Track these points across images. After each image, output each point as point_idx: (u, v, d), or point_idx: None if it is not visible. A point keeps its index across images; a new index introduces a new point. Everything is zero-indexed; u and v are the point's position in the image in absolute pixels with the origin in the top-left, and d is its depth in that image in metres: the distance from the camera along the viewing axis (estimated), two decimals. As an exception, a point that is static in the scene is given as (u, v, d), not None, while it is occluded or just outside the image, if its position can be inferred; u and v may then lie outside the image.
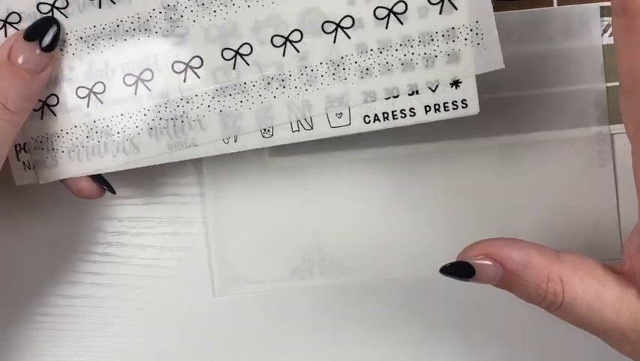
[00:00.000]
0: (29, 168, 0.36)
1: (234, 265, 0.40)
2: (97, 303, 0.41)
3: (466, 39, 0.32)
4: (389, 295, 0.40)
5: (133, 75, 0.34)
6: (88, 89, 0.34)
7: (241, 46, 0.33)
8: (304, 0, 0.32)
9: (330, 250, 0.40)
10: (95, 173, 0.35)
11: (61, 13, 0.33)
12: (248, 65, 0.33)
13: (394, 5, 0.32)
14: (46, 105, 0.35)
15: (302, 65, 0.33)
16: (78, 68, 0.34)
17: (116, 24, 0.33)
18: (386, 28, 0.32)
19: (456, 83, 0.33)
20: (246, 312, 0.41)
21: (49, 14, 0.33)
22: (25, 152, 0.36)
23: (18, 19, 0.34)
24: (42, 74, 0.33)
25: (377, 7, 0.32)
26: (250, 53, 0.33)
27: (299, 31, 0.33)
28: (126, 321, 0.41)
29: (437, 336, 0.41)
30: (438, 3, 0.32)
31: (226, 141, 0.35)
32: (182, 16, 0.33)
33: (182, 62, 0.34)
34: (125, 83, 0.34)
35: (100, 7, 0.33)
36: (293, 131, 0.34)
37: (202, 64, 0.34)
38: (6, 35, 0.34)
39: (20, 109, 0.32)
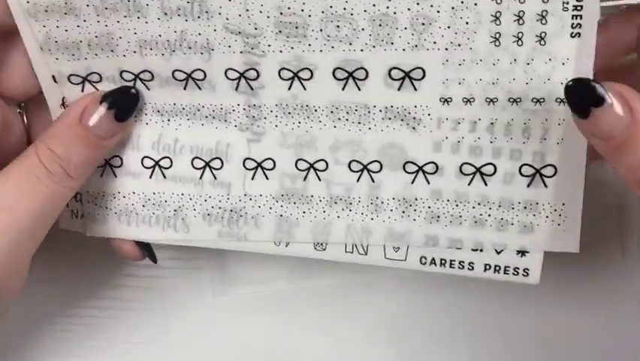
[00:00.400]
0: (76, 217, 0.35)
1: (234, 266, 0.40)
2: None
3: (547, 217, 0.31)
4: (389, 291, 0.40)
5: (202, 160, 0.33)
6: (154, 160, 0.33)
7: (317, 161, 0.32)
8: (389, 135, 0.31)
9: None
10: (141, 240, 0.35)
11: (143, 84, 0.32)
12: (319, 180, 0.32)
13: (483, 166, 0.31)
14: (108, 165, 0.34)
15: (373, 195, 0.32)
16: (148, 138, 0.33)
17: (196, 107, 0.32)
18: (469, 184, 0.31)
19: (523, 252, 0.32)
20: (245, 312, 0.41)
21: (131, 83, 0.32)
22: (76, 201, 0.35)
23: (98, 78, 0.32)
24: (110, 141, 0.32)
25: (464, 163, 0.31)
26: (324, 170, 0.32)
27: (379, 162, 0.32)
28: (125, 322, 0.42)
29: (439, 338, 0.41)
30: (529, 176, 0.30)
31: (277, 244, 0.34)
32: (264, 118, 0.32)
33: (254, 160, 0.33)
34: (192, 165, 0.33)
35: (185, 88, 0.32)
36: (346, 252, 0.34)
37: (274, 167, 0.33)
38: (83, 91, 0.32)
39: (80, 175, 0.31)
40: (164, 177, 0.34)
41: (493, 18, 0.28)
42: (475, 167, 0.31)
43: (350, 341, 0.41)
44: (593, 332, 0.39)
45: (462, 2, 0.28)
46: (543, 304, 0.40)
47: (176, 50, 0.30)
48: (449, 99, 0.30)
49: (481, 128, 0.30)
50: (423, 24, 0.28)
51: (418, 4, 0.28)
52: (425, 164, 0.31)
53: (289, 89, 0.31)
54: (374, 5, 0.28)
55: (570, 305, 0.39)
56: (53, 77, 0.32)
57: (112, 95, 0.31)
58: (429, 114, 0.30)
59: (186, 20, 0.30)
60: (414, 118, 0.30)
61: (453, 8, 0.28)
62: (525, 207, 0.31)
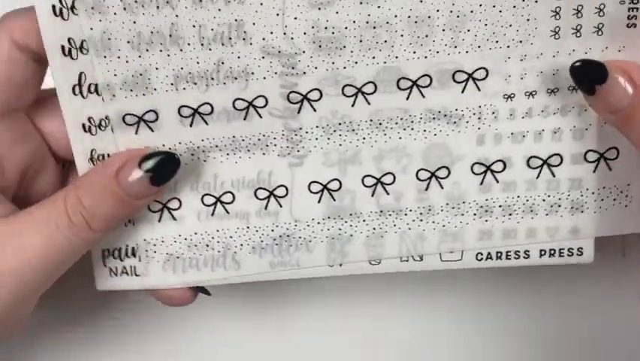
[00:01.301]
0: (116, 275, 0.34)
1: None
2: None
3: (614, 199, 0.32)
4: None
5: (245, 192, 0.32)
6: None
7: (364, 177, 0.32)
8: (431, 137, 0.31)
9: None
10: (189, 285, 0.34)
11: (202, 118, 0.31)
12: (372, 196, 0.32)
13: (549, 157, 0.32)
14: (150, 211, 0.33)
15: (422, 199, 0.32)
16: (185, 180, 0.32)
17: (234, 139, 0.32)
18: (537, 177, 0.32)
19: (575, 231, 0.32)
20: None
21: (190, 117, 0.31)
22: (115, 258, 0.33)
23: (155, 117, 0.31)
24: (141, 202, 0.31)
25: (531, 157, 0.32)
26: (373, 186, 0.32)
27: (426, 170, 0.32)
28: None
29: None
30: (594, 161, 0.32)
31: (331, 265, 0.33)
32: (306, 140, 0.32)
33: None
34: (235, 198, 0.32)
35: (226, 120, 0.31)
36: (401, 261, 0.33)
37: (321, 188, 0.32)
38: (137, 133, 0.31)
39: (102, 229, 0.30)
40: (209, 215, 0.33)
41: (553, 13, 0.29)
42: (541, 159, 0.32)
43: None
44: (593, 332, 0.40)
45: (523, 0, 0.29)
46: (543, 305, 0.40)
47: (214, 78, 0.30)
48: (512, 95, 0.31)
49: (542, 117, 0.31)
50: (458, 23, 0.29)
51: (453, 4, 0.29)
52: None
53: (326, 107, 0.31)
54: (411, 9, 0.29)
55: (570, 306, 0.40)
56: (83, 125, 0.31)
57: (154, 158, 0.30)
58: (471, 111, 0.31)
59: (223, 45, 0.30)
60: (456, 117, 0.31)
61: (514, 7, 0.29)
62: (594, 192, 0.32)
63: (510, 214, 0.32)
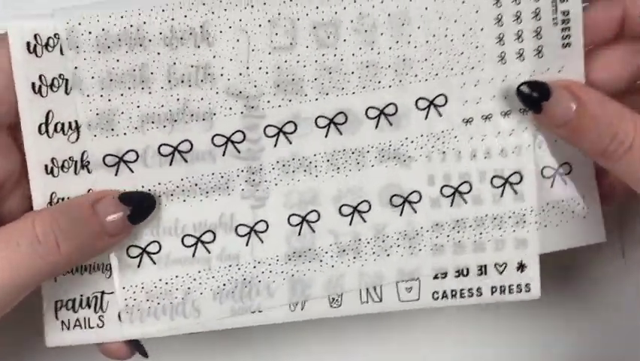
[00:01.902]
0: (68, 329, 0.32)
1: None
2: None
3: (573, 212, 0.34)
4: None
5: (196, 237, 0.33)
6: (141, 248, 0.32)
7: (319, 214, 0.33)
8: (386, 175, 0.33)
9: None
10: (145, 337, 0.32)
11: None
12: (320, 231, 0.33)
13: (511, 175, 0.34)
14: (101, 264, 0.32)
15: (378, 236, 0.33)
16: (145, 225, 0.32)
17: (195, 182, 0.32)
18: (501, 196, 0.34)
19: (521, 267, 0.34)
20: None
21: (170, 156, 0.32)
22: (67, 309, 0.32)
23: (135, 157, 0.32)
24: (112, 240, 0.31)
25: (494, 176, 0.34)
26: (320, 220, 0.33)
27: (369, 203, 0.33)
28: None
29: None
30: (550, 177, 0.34)
31: (292, 309, 0.33)
32: (266, 181, 0.33)
33: (258, 225, 0.33)
34: (197, 243, 0.33)
35: (185, 162, 0.32)
36: (362, 303, 0.34)
37: (279, 228, 0.33)
38: (116, 174, 0.31)
39: (69, 256, 0.29)
40: (167, 262, 0.32)
41: (497, 40, 0.33)
42: (503, 178, 0.34)
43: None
44: (593, 333, 0.40)
45: (470, 29, 0.32)
46: (543, 306, 0.40)
47: (178, 120, 0.32)
48: (470, 119, 0.33)
49: (500, 138, 0.33)
50: (404, 62, 0.32)
51: (398, 42, 0.32)
52: (411, 193, 0.34)
53: (282, 146, 0.32)
54: (360, 48, 0.32)
55: (570, 306, 0.41)
56: (45, 166, 0.31)
57: (132, 196, 0.31)
58: (420, 147, 0.33)
59: (190, 86, 0.31)
60: (404, 154, 0.33)
61: (464, 35, 0.32)
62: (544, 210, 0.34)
63: (461, 249, 0.34)
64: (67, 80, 0.31)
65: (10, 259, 0.28)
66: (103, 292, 0.32)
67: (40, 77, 0.30)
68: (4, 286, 0.28)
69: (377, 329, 0.41)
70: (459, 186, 0.34)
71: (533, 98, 0.31)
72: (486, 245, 0.34)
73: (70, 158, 0.31)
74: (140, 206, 0.31)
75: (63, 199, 0.31)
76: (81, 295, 0.32)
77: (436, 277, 0.34)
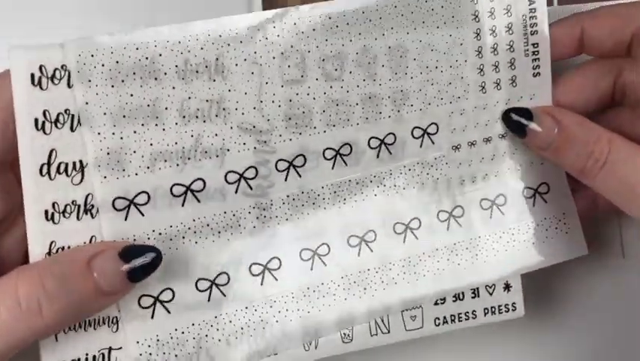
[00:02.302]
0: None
1: None
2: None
3: (556, 228, 0.36)
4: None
5: (208, 280, 0.31)
6: (153, 297, 0.30)
7: (329, 247, 0.33)
8: (387, 203, 0.34)
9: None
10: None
11: (138, 209, 0.29)
12: (330, 265, 0.33)
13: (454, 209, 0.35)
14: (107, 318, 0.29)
15: (383, 264, 0.34)
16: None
17: (205, 222, 0.31)
18: (490, 218, 0.35)
19: (507, 287, 0.36)
20: None
21: (182, 196, 0.30)
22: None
23: (146, 199, 0.29)
24: (108, 299, 0.28)
25: (482, 199, 0.35)
26: (334, 253, 0.33)
27: (379, 231, 0.34)
28: None
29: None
30: (531, 197, 0.36)
31: (307, 348, 0.33)
32: (275, 217, 0.32)
33: (267, 263, 0.32)
34: (197, 288, 0.31)
35: (183, 205, 0.30)
36: (371, 336, 0.34)
37: (289, 264, 0.32)
38: (126, 219, 0.29)
39: (53, 320, 0.26)
40: (177, 311, 0.30)
41: (479, 70, 0.34)
42: (490, 201, 0.35)
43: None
44: (593, 332, 0.41)
45: (456, 60, 0.33)
46: (542, 308, 0.42)
47: (191, 157, 0.30)
48: (458, 146, 0.34)
49: (483, 163, 0.35)
50: (402, 98, 0.33)
51: (396, 74, 0.33)
52: (412, 219, 0.34)
53: (290, 180, 0.32)
54: (364, 80, 0.32)
55: (569, 306, 0.42)
56: (45, 212, 0.28)
57: (136, 251, 0.28)
58: (417, 175, 0.34)
59: (204, 122, 0.30)
60: (403, 182, 0.34)
61: (451, 67, 0.34)
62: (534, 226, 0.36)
63: (458, 273, 0.35)
64: (72, 115, 0.28)
65: None
66: (110, 349, 0.29)
67: (44, 112, 0.27)
68: None
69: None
70: (452, 210, 0.35)
71: (518, 122, 0.34)
72: (481, 266, 0.35)
73: (72, 202, 0.28)
74: (144, 262, 0.28)
75: (63, 248, 0.28)
76: (86, 355, 0.29)
77: (436, 303, 0.35)
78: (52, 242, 0.28)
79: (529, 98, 0.35)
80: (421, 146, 0.34)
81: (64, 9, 0.34)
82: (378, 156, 0.33)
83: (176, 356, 0.30)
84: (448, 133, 0.34)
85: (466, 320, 0.35)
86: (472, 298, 0.36)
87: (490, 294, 0.36)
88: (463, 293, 0.35)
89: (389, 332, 0.34)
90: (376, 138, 0.33)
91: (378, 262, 0.34)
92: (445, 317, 0.35)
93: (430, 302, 0.35)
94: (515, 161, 0.36)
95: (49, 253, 0.28)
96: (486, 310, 0.36)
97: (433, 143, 0.34)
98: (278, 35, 0.30)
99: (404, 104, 0.33)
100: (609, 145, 0.32)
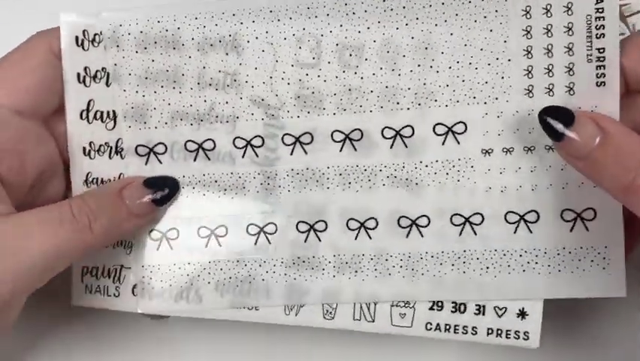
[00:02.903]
0: (90, 293, 0.36)
1: None
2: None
3: (592, 261, 0.33)
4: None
5: (216, 229, 0.35)
6: (161, 232, 0.35)
7: (326, 224, 0.34)
8: (396, 196, 0.34)
9: None
10: (152, 313, 0.36)
11: (157, 157, 0.35)
12: (327, 243, 0.34)
13: (526, 214, 0.33)
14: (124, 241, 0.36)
15: (380, 254, 0.34)
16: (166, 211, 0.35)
17: (214, 178, 0.34)
18: (514, 232, 0.33)
19: (522, 314, 0.33)
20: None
21: (195, 152, 0.35)
22: (92, 276, 0.36)
23: (164, 150, 0.35)
24: (139, 221, 0.34)
25: (508, 212, 0.33)
26: (331, 231, 0.34)
27: (381, 220, 0.34)
28: None
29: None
30: (571, 221, 0.33)
31: (287, 313, 0.35)
32: (279, 187, 0.34)
33: (266, 227, 0.35)
34: (205, 234, 0.35)
35: (197, 160, 0.34)
36: (354, 320, 0.35)
37: (285, 233, 0.35)
38: (146, 163, 0.35)
39: (100, 235, 0.32)
40: (178, 248, 0.35)
41: (526, 72, 0.32)
42: (519, 215, 0.33)
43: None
44: (592, 333, 0.39)
45: (497, 59, 0.32)
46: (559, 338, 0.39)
47: (204, 120, 0.34)
48: (490, 150, 0.33)
49: (519, 173, 0.33)
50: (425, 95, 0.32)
51: (420, 66, 0.32)
52: (420, 216, 0.34)
53: (299, 155, 0.34)
54: (381, 69, 0.32)
55: (569, 306, 0.38)
56: (84, 148, 0.35)
57: (156, 181, 0.34)
58: (434, 173, 0.33)
59: (217, 90, 0.33)
60: (417, 178, 0.33)
61: (489, 65, 0.32)
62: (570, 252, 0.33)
63: (463, 283, 0.34)
64: (108, 73, 0.34)
65: (57, 234, 0.31)
66: (122, 266, 0.36)
67: (85, 68, 0.34)
68: (52, 256, 0.31)
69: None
70: (470, 216, 0.33)
71: (555, 123, 0.30)
72: (488, 282, 0.33)
73: (106, 143, 0.35)
74: (164, 190, 0.34)
75: (97, 179, 0.35)
76: (104, 265, 0.36)
77: (431, 308, 0.34)
78: (88, 173, 0.35)
79: (590, 110, 0.31)
80: (443, 144, 0.33)
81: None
82: (391, 147, 0.33)
83: (170, 285, 0.35)
84: (478, 135, 0.33)
85: (463, 333, 0.34)
86: (476, 314, 0.34)
87: (499, 316, 0.34)
88: (465, 306, 0.34)
89: (373, 321, 0.35)
90: (391, 128, 0.33)
91: (375, 250, 0.34)
92: (438, 324, 0.34)
93: (425, 304, 0.34)
94: (562, 178, 0.32)
95: (86, 181, 0.35)
96: (490, 331, 0.34)
97: (459, 143, 0.33)
98: (291, 18, 0.32)
99: (427, 97, 0.32)
100: None
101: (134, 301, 0.36)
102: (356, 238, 0.34)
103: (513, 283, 0.33)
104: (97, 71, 0.34)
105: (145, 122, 0.34)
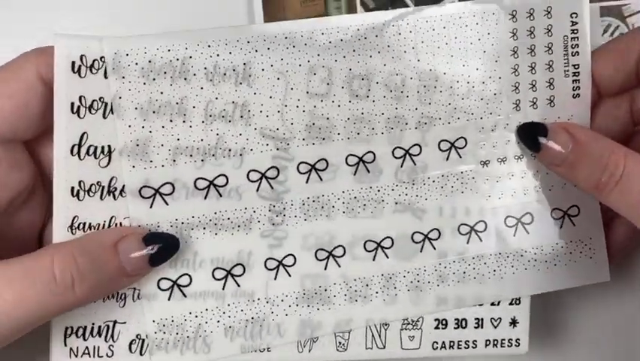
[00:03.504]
0: (76, 356, 0.31)
1: None
2: None
3: (581, 252, 0.36)
4: None
5: (223, 270, 0.33)
6: (172, 280, 0.32)
7: (335, 248, 0.34)
8: (408, 214, 0.35)
9: None
10: (153, 369, 0.32)
11: (162, 198, 0.32)
12: (339, 266, 0.34)
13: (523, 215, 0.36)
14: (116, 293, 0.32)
15: (386, 286, 0.35)
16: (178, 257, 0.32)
17: (218, 217, 0.32)
18: (514, 235, 0.36)
19: (514, 323, 0.36)
20: None
21: (205, 190, 0.32)
22: (77, 337, 0.31)
23: (171, 190, 0.32)
24: (130, 279, 0.31)
25: (508, 216, 0.36)
26: (342, 257, 0.34)
27: (391, 238, 0.35)
28: None
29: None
30: (559, 218, 0.36)
31: (300, 350, 0.34)
32: (286, 223, 0.33)
33: (275, 260, 0.33)
34: (213, 277, 0.33)
35: (205, 198, 0.32)
36: (366, 348, 0.35)
37: (294, 264, 0.34)
38: (151, 207, 0.31)
39: (84, 297, 0.28)
40: (184, 295, 0.32)
41: (514, 88, 0.35)
42: (516, 218, 0.36)
43: None
44: (592, 333, 0.41)
45: (490, 77, 0.34)
46: (541, 305, 0.41)
47: (215, 154, 0.32)
48: (487, 162, 0.35)
49: (512, 180, 0.35)
50: (426, 123, 0.34)
51: (425, 100, 0.34)
52: (431, 230, 0.35)
53: (307, 182, 0.33)
54: (389, 100, 0.33)
55: (569, 306, 0.42)
56: (72, 188, 0.31)
57: (158, 238, 0.31)
58: (441, 187, 0.35)
59: (228, 122, 0.32)
60: (426, 193, 0.35)
61: (483, 83, 0.34)
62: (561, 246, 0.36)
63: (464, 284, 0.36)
64: (106, 103, 0.30)
65: (23, 295, 0.27)
66: (115, 322, 0.32)
67: (80, 97, 0.30)
68: (14, 320, 0.27)
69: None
70: (475, 224, 0.35)
71: (531, 136, 0.34)
72: (495, 282, 0.36)
73: (97, 182, 0.31)
74: (164, 248, 0.31)
75: (84, 224, 0.31)
76: (92, 324, 0.31)
77: (437, 327, 0.35)
78: (75, 217, 0.31)
79: (567, 119, 0.35)
80: (447, 159, 0.35)
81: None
82: (402, 166, 0.34)
83: (180, 338, 0.32)
84: (477, 148, 0.35)
85: (465, 348, 0.36)
86: (475, 328, 0.36)
87: (495, 327, 0.36)
88: (466, 321, 0.36)
89: (384, 347, 0.35)
90: (401, 148, 0.34)
91: (386, 272, 0.35)
92: (443, 342, 0.36)
93: (430, 323, 0.35)
94: (547, 181, 0.36)
95: (71, 227, 0.31)
96: (487, 342, 0.36)
97: (461, 157, 0.35)
98: (305, 44, 0.32)
99: (432, 117, 0.34)
100: (625, 159, 0.32)
101: (132, 359, 0.32)
102: (374, 259, 0.34)
103: (517, 281, 0.36)
104: (93, 101, 0.30)
105: (151, 161, 0.31)
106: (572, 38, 0.35)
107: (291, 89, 0.32)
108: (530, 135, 0.34)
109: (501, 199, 0.35)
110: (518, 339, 0.36)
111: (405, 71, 0.33)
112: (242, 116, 0.32)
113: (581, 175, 0.33)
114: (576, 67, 0.35)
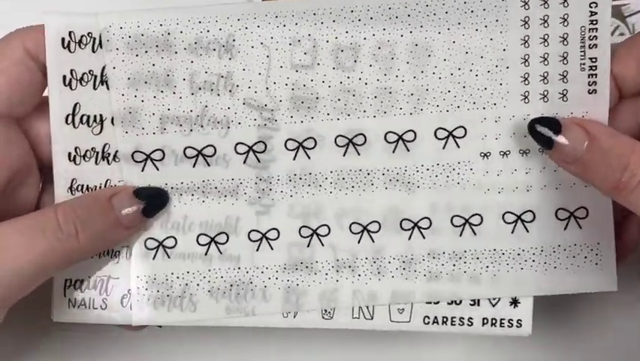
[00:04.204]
0: (74, 307, 0.34)
1: None
2: None
3: (585, 257, 0.34)
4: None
5: (209, 236, 0.34)
6: (158, 241, 0.34)
7: (320, 227, 0.34)
8: (388, 198, 0.34)
9: None
10: (143, 324, 0.34)
11: (153, 163, 0.34)
12: (323, 245, 0.34)
13: (471, 216, 0.34)
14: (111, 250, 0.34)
15: (375, 256, 0.34)
16: (155, 219, 0.34)
17: (207, 183, 0.34)
18: (512, 232, 0.34)
19: (515, 303, 0.35)
20: None
21: (194, 159, 0.34)
22: (75, 289, 0.34)
23: (161, 156, 0.34)
24: (127, 232, 0.33)
25: (506, 212, 0.34)
26: (327, 235, 0.34)
27: (378, 223, 0.34)
28: None
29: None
30: (565, 219, 0.34)
31: (285, 316, 0.35)
32: (274, 191, 0.34)
33: (259, 232, 0.34)
34: (198, 241, 0.34)
35: (194, 166, 0.34)
36: (353, 318, 0.35)
37: (279, 237, 0.34)
38: (143, 170, 0.34)
39: (86, 245, 0.31)
40: (169, 256, 0.34)
41: (522, 79, 0.33)
42: (516, 215, 0.34)
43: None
44: (592, 333, 0.40)
45: (496, 66, 0.33)
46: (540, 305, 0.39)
47: (203, 124, 0.33)
48: (488, 153, 0.34)
49: (515, 175, 0.34)
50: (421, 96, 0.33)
51: (422, 72, 0.33)
52: (422, 218, 0.34)
53: (294, 159, 0.34)
54: (381, 72, 0.33)
55: (569, 306, 0.41)
56: (69, 154, 0.33)
57: (147, 190, 0.33)
58: (435, 176, 0.34)
59: (213, 93, 0.33)
60: (418, 180, 0.34)
61: (489, 72, 0.33)
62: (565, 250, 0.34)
63: (457, 280, 0.35)
64: (95, 76, 0.33)
65: (35, 245, 0.29)
66: (109, 277, 0.34)
67: (71, 71, 0.33)
68: (29, 270, 0.29)
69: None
70: (470, 217, 0.34)
71: (544, 132, 0.31)
72: (487, 280, 0.34)
73: (92, 148, 0.33)
74: (153, 201, 0.33)
75: (82, 186, 0.34)
76: (89, 277, 0.34)
77: (429, 301, 0.35)
78: (73, 179, 0.34)
79: (581, 116, 0.33)
80: (444, 147, 0.34)
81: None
82: (394, 151, 0.34)
83: (167, 295, 0.34)
84: (477, 139, 0.34)
85: (460, 325, 0.35)
86: (471, 305, 0.35)
87: (493, 305, 0.35)
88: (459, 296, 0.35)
89: (372, 318, 0.35)
90: (394, 132, 0.34)
91: (376, 252, 0.34)
92: (436, 317, 0.35)
93: (422, 300, 0.35)
94: (555, 179, 0.34)
95: (70, 189, 0.34)
96: (485, 321, 0.35)
97: (459, 146, 0.34)
98: (289, 20, 0.32)
99: (428, 102, 0.33)
100: None
101: (123, 313, 0.34)
102: (359, 242, 0.34)
103: (510, 280, 0.34)
104: (84, 74, 0.33)
105: (142, 128, 0.33)
106: (590, 29, 0.32)
107: (274, 64, 0.33)
108: (542, 130, 0.32)
109: (501, 194, 0.34)
110: (520, 320, 0.35)
111: (399, 40, 0.33)
112: (225, 89, 0.33)
113: (598, 175, 0.30)
114: (593, 60, 0.32)
